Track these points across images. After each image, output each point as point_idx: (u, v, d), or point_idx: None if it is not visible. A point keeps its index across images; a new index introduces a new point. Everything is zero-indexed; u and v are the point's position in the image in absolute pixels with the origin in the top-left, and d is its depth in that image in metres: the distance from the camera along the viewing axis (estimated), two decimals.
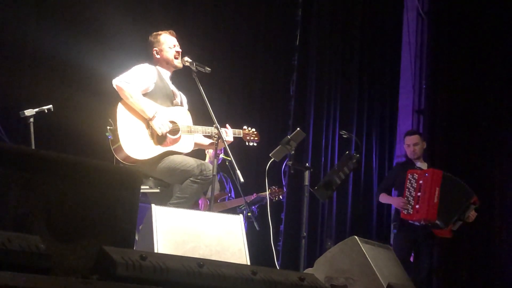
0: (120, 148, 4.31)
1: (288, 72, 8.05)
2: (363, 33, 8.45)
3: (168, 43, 4.72)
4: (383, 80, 8.47)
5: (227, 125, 4.78)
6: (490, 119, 7.60)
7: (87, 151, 5.60)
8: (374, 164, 8.06)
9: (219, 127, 4.44)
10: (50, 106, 5.04)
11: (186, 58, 4.65)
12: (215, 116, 4.45)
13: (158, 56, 4.71)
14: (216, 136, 4.47)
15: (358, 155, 4.94)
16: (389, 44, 8.57)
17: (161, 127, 4.40)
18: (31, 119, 4.94)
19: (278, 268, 5.03)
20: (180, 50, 4.73)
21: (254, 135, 4.94)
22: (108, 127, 4.37)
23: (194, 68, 4.61)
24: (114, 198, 2.45)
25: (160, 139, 4.44)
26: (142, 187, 4.24)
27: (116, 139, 4.33)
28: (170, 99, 4.64)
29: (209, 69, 4.68)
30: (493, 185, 7.42)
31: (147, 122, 4.42)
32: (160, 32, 4.76)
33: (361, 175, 7.88)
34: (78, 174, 2.37)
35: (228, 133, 4.71)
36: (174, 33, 4.78)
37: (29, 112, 4.94)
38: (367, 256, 3.91)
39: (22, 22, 5.72)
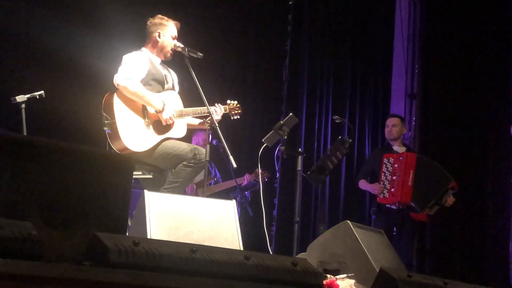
0: (120, 143, 4.25)
1: (281, 57, 8.02)
2: (355, 17, 8.42)
3: (172, 32, 4.66)
4: (376, 64, 8.46)
5: (217, 104, 4.76)
6: (482, 103, 7.62)
7: (79, 137, 5.57)
8: (366, 148, 8.08)
9: (211, 112, 4.43)
10: (42, 92, 5.00)
11: (178, 44, 4.61)
12: (208, 102, 4.44)
13: (158, 39, 4.61)
14: (209, 122, 4.46)
15: (350, 140, 4.95)
16: (381, 29, 8.55)
17: (170, 118, 4.41)
18: (23, 105, 4.90)
19: (271, 253, 5.05)
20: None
21: (237, 108, 4.94)
22: (105, 121, 4.28)
23: (186, 54, 4.58)
24: (107, 184, 2.44)
25: (156, 127, 4.43)
26: (134, 172, 4.23)
27: (115, 133, 4.26)
28: (162, 84, 4.60)
29: (201, 54, 4.65)
30: (486, 169, 7.45)
31: (143, 112, 4.39)
32: (168, 19, 4.69)
33: (353, 159, 7.89)
34: (70, 160, 2.36)
35: (218, 111, 4.70)
36: (179, 26, 4.73)
37: (20, 98, 4.90)
38: (359, 240, 3.93)
39: (12, 8, 5.66)
